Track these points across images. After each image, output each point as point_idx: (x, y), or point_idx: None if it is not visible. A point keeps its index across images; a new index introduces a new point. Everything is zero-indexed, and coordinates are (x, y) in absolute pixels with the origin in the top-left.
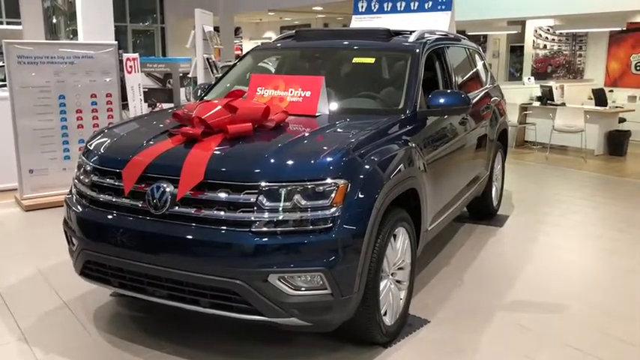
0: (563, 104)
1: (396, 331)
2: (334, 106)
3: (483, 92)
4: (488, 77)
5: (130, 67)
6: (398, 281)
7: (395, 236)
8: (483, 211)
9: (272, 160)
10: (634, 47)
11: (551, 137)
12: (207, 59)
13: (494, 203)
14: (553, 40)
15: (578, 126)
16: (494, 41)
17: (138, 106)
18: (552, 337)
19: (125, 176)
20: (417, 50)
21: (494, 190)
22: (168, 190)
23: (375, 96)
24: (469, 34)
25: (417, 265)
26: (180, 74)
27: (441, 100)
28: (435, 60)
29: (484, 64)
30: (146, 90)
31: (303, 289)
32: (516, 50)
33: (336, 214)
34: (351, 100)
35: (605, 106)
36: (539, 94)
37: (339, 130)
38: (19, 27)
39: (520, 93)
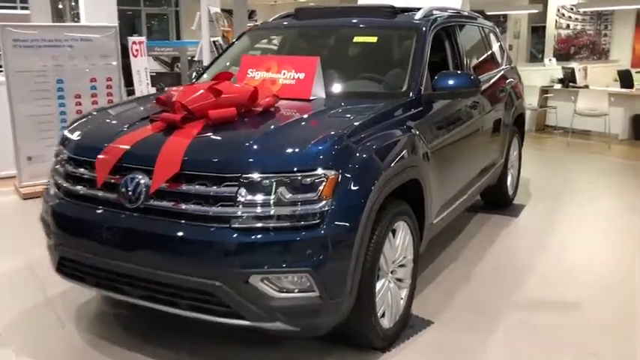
0: (586, 86)
1: (395, 334)
2: (331, 89)
3: (498, 74)
4: (504, 58)
5: (136, 50)
6: (398, 280)
7: (394, 231)
8: (498, 200)
9: (254, 149)
10: None
11: (572, 121)
12: (214, 42)
13: (510, 192)
14: (577, 19)
15: (602, 109)
16: (515, 21)
17: (145, 90)
18: (567, 341)
19: (98, 166)
20: (424, 28)
21: (509, 178)
22: (143, 181)
23: (376, 78)
24: (488, 13)
25: (421, 260)
26: (189, 57)
27: (448, 82)
28: (444, 39)
29: (500, 45)
30: (154, 74)
31: (288, 291)
32: (538, 30)
33: (325, 208)
34: (350, 82)
35: (632, 88)
36: (560, 76)
37: (332, 115)
38: (27, 12)
39: (540, 75)
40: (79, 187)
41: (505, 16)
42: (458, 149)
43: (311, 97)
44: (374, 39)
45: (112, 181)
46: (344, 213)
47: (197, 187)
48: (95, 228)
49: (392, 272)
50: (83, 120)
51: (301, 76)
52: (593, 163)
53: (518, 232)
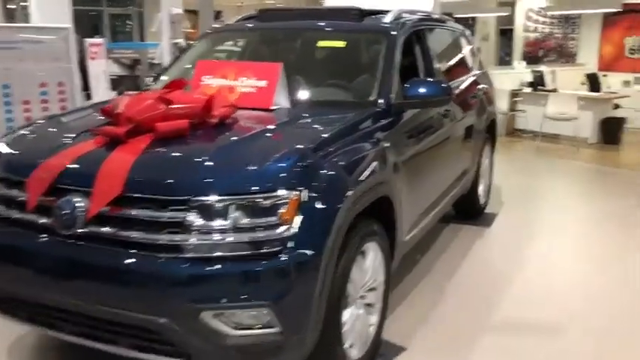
0: (555, 90)
1: None
2: (296, 97)
3: (470, 80)
4: (476, 63)
5: (94, 53)
6: (368, 305)
7: (364, 253)
8: (470, 209)
9: (205, 168)
10: (629, 30)
11: (542, 125)
12: (176, 44)
13: (482, 201)
14: (544, 22)
15: (571, 113)
16: (484, 24)
17: (104, 95)
18: None
19: (30, 186)
20: (394, 33)
21: (481, 186)
22: (80, 204)
23: (344, 85)
24: (457, 16)
25: (393, 276)
26: (149, 60)
27: (420, 91)
28: (414, 44)
29: (472, 49)
30: (115, 77)
31: (245, 327)
32: (506, 33)
33: (286, 234)
34: (315, 90)
35: (599, 91)
36: (530, 79)
37: (296, 127)
38: None
39: (510, 78)
40: (9, 211)
41: (473, 19)
42: (429, 160)
43: (273, 107)
44: (341, 44)
45: (47, 203)
46: (308, 238)
47: (142, 211)
48: (27, 257)
49: (361, 297)
50: (21, 132)
51: (262, 83)
52: (562, 168)
53: (492, 244)
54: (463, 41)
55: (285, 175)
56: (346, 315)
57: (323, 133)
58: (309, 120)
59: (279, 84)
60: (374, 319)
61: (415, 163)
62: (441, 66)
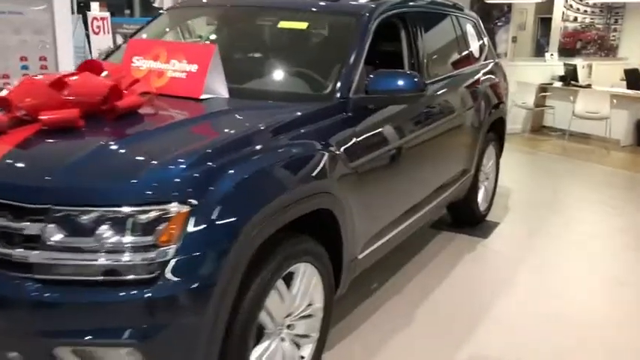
0: (589, 85)
1: None
2: (237, 86)
3: (471, 73)
4: (484, 54)
5: (98, 27)
6: (299, 335)
7: (290, 277)
8: (467, 216)
9: (72, 171)
10: None
11: (570, 123)
12: None
13: (482, 208)
14: (585, 11)
15: (603, 112)
16: (521, 12)
17: None
18: None
19: None
20: (366, 15)
21: (481, 191)
22: None
23: (300, 75)
24: (488, 1)
25: (356, 292)
26: None
27: (384, 85)
28: (400, 30)
29: (481, 39)
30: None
31: None
32: (548, 22)
33: (166, 257)
34: (265, 78)
35: (639, 89)
36: (562, 72)
37: (214, 123)
38: None
39: (540, 71)
40: None
41: (509, 6)
42: (403, 165)
43: (203, 96)
44: (303, 25)
45: None
46: (196, 263)
47: None
48: None
49: (288, 327)
50: None
51: (193, 68)
52: (588, 172)
53: (484, 259)
54: (470, 30)
55: (170, 183)
56: (259, 350)
57: (242, 132)
58: (237, 115)
59: (212, 70)
60: (307, 350)
61: (380, 170)
62: (432, 56)
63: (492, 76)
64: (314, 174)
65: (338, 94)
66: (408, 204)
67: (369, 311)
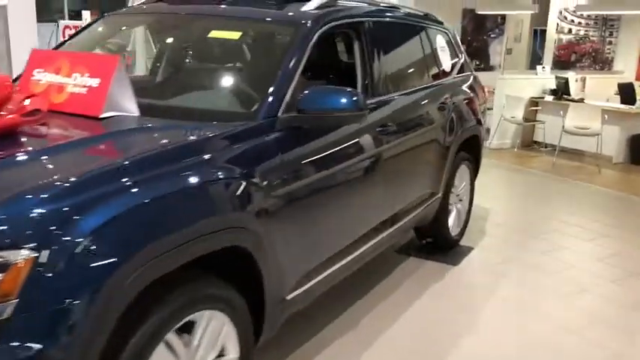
0: (582, 100)
1: None
2: (154, 102)
3: (436, 88)
4: (456, 68)
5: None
6: None
7: (189, 326)
8: (437, 241)
9: None
10: None
11: (560, 139)
12: None
13: (454, 232)
14: (579, 23)
15: (594, 128)
16: (516, 23)
17: None
18: None
19: None
20: (306, 25)
21: (453, 215)
22: None
23: (226, 90)
24: (479, 12)
25: (296, 328)
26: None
27: (318, 103)
28: (352, 41)
29: (454, 51)
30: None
31: None
32: (544, 34)
33: (2, 315)
34: (186, 95)
35: (633, 104)
36: (554, 86)
37: (97, 148)
38: None
39: (532, 84)
40: None
41: (504, 17)
42: (343, 193)
43: (105, 114)
44: (235, 35)
45: None
46: (42, 322)
47: None
48: None
49: None
50: None
51: (94, 82)
52: (577, 192)
53: (451, 290)
54: (439, 41)
55: (11, 225)
56: None
57: (128, 159)
58: (133, 138)
59: (116, 84)
60: None
61: (315, 199)
62: (390, 71)
63: (466, 92)
64: (221, 206)
65: (263, 113)
66: (352, 235)
67: (318, 347)
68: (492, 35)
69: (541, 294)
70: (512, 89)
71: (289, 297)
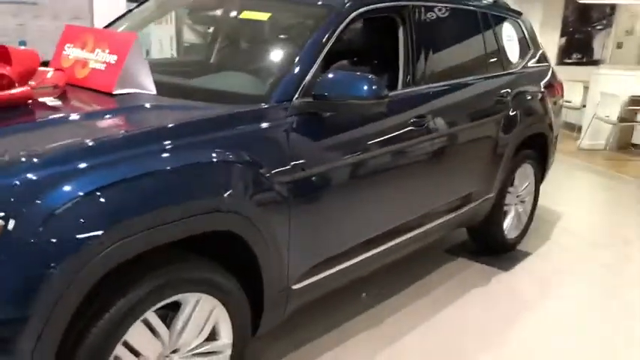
0: None
1: None
2: (178, 82)
3: (491, 80)
4: (526, 59)
5: None
6: None
7: (176, 306)
8: (489, 243)
9: None
10: None
11: None
12: None
13: (511, 235)
14: None
15: None
16: (629, 14)
17: None
18: None
19: None
20: (338, 6)
21: (510, 216)
22: None
23: (248, 72)
24: (583, 1)
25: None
26: None
27: (334, 89)
28: (395, 25)
29: (524, 41)
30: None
31: None
32: None
33: None
34: (210, 76)
35: None
36: None
37: (92, 124)
38: None
39: (636, 81)
40: None
41: (613, 7)
42: (360, 186)
43: (118, 91)
44: (264, 16)
45: None
46: (9, 291)
47: None
48: None
49: None
50: None
51: (112, 59)
52: None
53: (492, 297)
54: (507, 30)
55: None
56: None
57: (119, 134)
58: (133, 115)
59: (131, 62)
60: None
61: (332, 188)
62: (435, 58)
63: (534, 86)
64: (209, 189)
65: (276, 97)
66: (375, 230)
67: (337, 340)
68: (598, 27)
69: (592, 315)
70: (608, 86)
71: (296, 286)
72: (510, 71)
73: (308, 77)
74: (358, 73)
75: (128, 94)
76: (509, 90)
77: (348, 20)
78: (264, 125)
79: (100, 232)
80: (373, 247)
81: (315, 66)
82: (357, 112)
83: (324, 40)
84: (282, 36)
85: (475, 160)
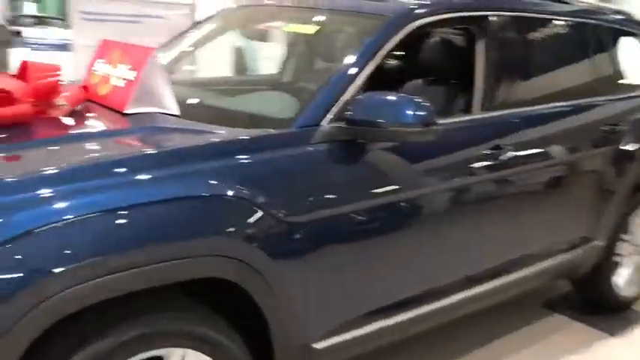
0: None
1: None
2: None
3: (599, 106)
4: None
5: None
6: None
7: None
8: (596, 300)
9: None
10: None
11: None
12: None
13: (625, 292)
14: None
15: None
16: None
17: None
18: None
19: None
20: (391, 18)
21: (623, 269)
22: None
23: (282, 91)
24: None
25: None
26: None
27: (370, 113)
28: (469, 39)
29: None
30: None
31: None
32: None
33: None
34: (241, 96)
35: None
36: None
37: (76, 146)
38: None
39: None
40: None
41: None
42: (406, 230)
43: (132, 110)
44: (311, 30)
45: None
46: None
47: None
48: None
49: None
50: None
51: (132, 75)
52: None
53: None
54: (622, 45)
55: None
56: None
57: (98, 160)
58: (128, 139)
59: (147, 79)
60: None
61: (362, 233)
62: (521, 79)
63: None
64: (195, 228)
65: (300, 121)
66: (424, 284)
67: None
68: None
69: None
70: None
71: (319, 345)
72: (629, 95)
73: (343, 99)
74: (401, 95)
75: (142, 113)
76: (624, 118)
77: (404, 33)
78: (285, 152)
79: (58, 270)
80: (424, 303)
81: (353, 87)
82: (394, 139)
83: (366, 57)
84: (323, 53)
85: (574, 199)
